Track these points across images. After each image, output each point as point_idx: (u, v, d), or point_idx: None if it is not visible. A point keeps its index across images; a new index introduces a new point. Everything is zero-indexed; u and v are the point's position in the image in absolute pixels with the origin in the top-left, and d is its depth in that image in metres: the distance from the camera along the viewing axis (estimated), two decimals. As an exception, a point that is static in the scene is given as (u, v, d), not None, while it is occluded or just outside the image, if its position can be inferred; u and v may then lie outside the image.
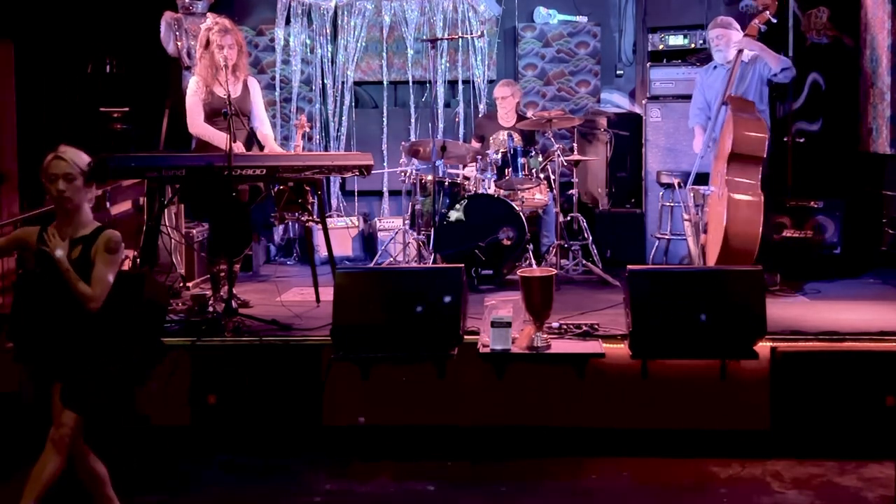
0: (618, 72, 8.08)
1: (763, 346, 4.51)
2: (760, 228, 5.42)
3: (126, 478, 4.35)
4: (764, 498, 4.05)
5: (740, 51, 5.77)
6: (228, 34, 5.39)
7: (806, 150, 7.03)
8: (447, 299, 4.53)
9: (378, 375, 4.61)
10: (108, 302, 3.63)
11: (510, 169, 6.44)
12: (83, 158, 3.50)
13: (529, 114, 7.03)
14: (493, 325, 4.46)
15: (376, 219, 7.74)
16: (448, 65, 7.90)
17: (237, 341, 4.79)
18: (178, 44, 6.74)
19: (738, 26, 6.00)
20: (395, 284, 4.65)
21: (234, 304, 5.09)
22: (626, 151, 7.56)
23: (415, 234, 6.64)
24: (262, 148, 5.65)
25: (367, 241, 7.66)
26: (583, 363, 4.55)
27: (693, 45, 7.30)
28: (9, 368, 4.47)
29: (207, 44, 5.44)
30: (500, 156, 6.49)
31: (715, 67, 6.10)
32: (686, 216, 5.71)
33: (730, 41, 5.94)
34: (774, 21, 5.85)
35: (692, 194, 5.75)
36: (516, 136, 6.81)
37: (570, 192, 6.86)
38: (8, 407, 4.60)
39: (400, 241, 6.98)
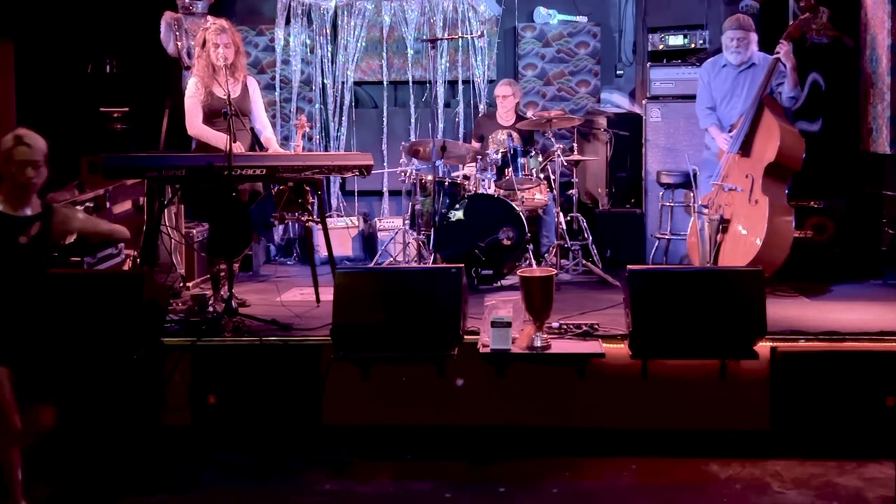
0: (618, 72, 8.09)
1: (763, 346, 4.51)
2: (791, 242, 5.53)
3: (126, 478, 4.37)
4: (764, 498, 4.05)
5: (777, 59, 5.70)
6: (224, 33, 5.39)
7: (806, 150, 7.01)
8: (447, 299, 4.54)
9: (378, 375, 4.61)
10: (108, 301, 3.70)
11: (510, 169, 6.44)
12: (43, 143, 3.61)
13: (529, 114, 7.03)
14: (493, 325, 4.46)
15: (376, 219, 7.74)
16: (448, 65, 7.90)
17: (237, 341, 4.79)
18: (178, 44, 6.75)
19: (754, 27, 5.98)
20: (395, 284, 4.65)
21: (233, 303, 5.09)
22: (626, 151, 7.56)
23: (415, 234, 6.64)
24: (262, 150, 5.65)
25: (367, 241, 7.66)
26: (583, 363, 4.55)
27: (693, 45, 7.30)
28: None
29: (204, 43, 5.44)
30: (500, 156, 6.49)
31: (724, 66, 6.02)
32: (704, 210, 5.60)
33: (750, 44, 5.90)
34: (814, 27, 5.79)
35: (715, 190, 5.67)
36: (516, 136, 6.81)
37: (570, 192, 6.86)
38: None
39: (400, 241, 6.98)
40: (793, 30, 5.74)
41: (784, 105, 5.83)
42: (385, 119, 7.97)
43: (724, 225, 5.50)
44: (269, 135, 5.68)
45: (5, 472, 3.61)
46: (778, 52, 5.70)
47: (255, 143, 5.72)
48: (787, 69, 5.74)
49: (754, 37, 5.94)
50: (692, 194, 5.85)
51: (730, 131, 5.82)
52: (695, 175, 5.93)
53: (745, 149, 5.68)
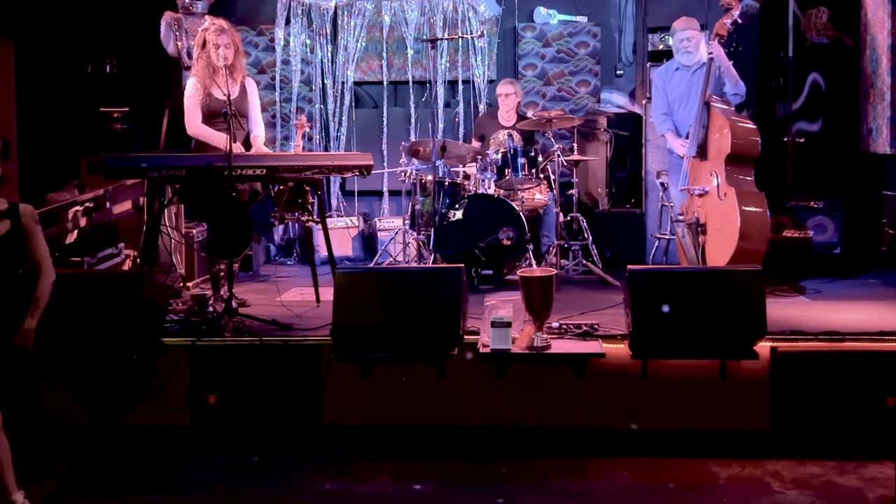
0: (618, 72, 8.09)
1: (763, 346, 4.51)
2: (769, 226, 5.51)
3: (126, 478, 4.37)
4: (764, 498, 4.05)
5: (711, 59, 5.72)
6: (224, 34, 5.38)
7: (806, 150, 7.02)
8: (447, 299, 4.54)
9: (378, 375, 4.61)
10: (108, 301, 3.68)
11: (510, 169, 6.44)
12: None
13: (529, 114, 7.03)
14: (493, 325, 4.46)
15: (376, 219, 7.74)
16: (448, 65, 7.90)
17: (237, 341, 4.79)
18: (178, 44, 6.75)
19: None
20: (395, 284, 4.65)
21: (233, 303, 5.09)
22: (626, 151, 7.56)
23: (415, 234, 6.64)
24: (249, 148, 5.62)
25: (367, 241, 7.66)
26: (583, 363, 4.55)
27: (693, 45, 7.29)
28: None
29: (204, 44, 5.42)
30: (500, 156, 6.49)
31: (677, 69, 6.06)
32: (680, 217, 5.69)
33: (699, 43, 5.94)
34: (739, 22, 5.80)
35: (687, 195, 5.73)
36: (516, 136, 6.81)
37: (570, 192, 6.86)
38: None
39: (400, 241, 6.98)
40: (718, 28, 5.75)
41: (732, 103, 5.84)
42: (385, 119, 7.97)
43: (701, 227, 5.54)
44: (257, 133, 5.63)
45: None
46: (711, 53, 5.72)
47: (247, 142, 5.71)
48: (722, 68, 5.76)
49: (703, 37, 5.98)
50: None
51: (687, 136, 5.84)
52: (664, 187, 5.94)
53: (703, 150, 5.70)
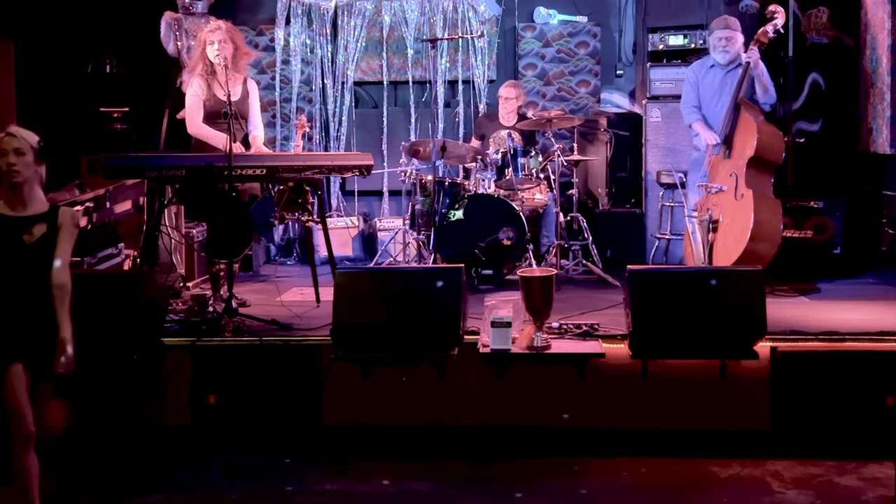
0: (618, 72, 8.08)
1: (763, 346, 4.52)
2: (780, 233, 5.56)
3: (126, 478, 4.37)
4: (764, 498, 4.05)
5: (748, 63, 5.76)
6: (219, 31, 5.39)
7: (806, 150, 7.02)
8: (447, 299, 4.54)
9: (378, 375, 4.61)
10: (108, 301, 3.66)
11: (510, 169, 6.44)
12: (34, 137, 3.61)
13: (529, 114, 7.03)
14: (493, 325, 4.46)
15: (376, 219, 7.74)
16: (448, 65, 7.90)
17: (237, 341, 4.79)
18: (178, 44, 6.75)
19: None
20: (395, 284, 4.65)
21: (233, 303, 5.09)
22: (626, 151, 7.55)
23: (415, 234, 6.64)
24: (248, 147, 5.63)
25: (367, 241, 7.66)
26: (583, 363, 4.55)
27: (693, 45, 7.30)
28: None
29: (203, 44, 5.42)
30: (500, 156, 6.49)
31: (712, 66, 6.09)
32: (693, 213, 5.68)
33: (736, 43, 5.96)
34: (782, 32, 5.84)
35: (704, 191, 5.72)
36: (516, 136, 6.81)
37: (570, 192, 6.86)
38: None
39: (400, 241, 6.98)
40: (760, 35, 5.80)
41: (763, 110, 5.87)
42: (385, 119, 7.97)
43: (714, 225, 5.56)
44: (256, 133, 5.63)
45: (19, 478, 3.58)
46: (749, 58, 5.76)
47: (246, 144, 5.70)
48: (756, 74, 5.78)
49: (741, 37, 6.01)
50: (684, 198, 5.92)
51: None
52: (682, 183, 5.96)
53: (727, 150, 5.76)
